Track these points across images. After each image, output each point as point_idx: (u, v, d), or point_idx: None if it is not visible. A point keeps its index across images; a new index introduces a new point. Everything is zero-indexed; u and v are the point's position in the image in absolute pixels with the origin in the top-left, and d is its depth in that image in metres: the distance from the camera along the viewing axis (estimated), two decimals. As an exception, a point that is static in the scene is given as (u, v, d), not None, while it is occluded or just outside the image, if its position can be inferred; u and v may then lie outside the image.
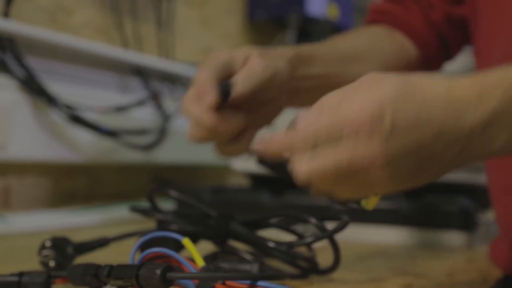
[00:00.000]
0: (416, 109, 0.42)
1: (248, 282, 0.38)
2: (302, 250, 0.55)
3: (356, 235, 0.81)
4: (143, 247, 0.43)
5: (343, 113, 0.43)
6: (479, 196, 0.85)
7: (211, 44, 1.56)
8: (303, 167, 0.44)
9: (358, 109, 0.42)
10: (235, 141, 0.58)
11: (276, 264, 0.54)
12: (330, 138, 0.43)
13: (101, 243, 0.57)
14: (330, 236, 0.52)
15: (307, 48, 0.66)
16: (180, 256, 0.41)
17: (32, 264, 0.53)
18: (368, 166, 0.42)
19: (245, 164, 0.99)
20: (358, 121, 0.42)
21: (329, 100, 0.44)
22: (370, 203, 0.48)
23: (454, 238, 0.78)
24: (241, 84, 0.56)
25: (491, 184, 0.66)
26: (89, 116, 1.08)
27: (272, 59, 0.59)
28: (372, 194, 0.47)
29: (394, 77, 0.44)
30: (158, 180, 1.35)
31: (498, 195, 0.65)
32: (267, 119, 0.62)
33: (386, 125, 0.42)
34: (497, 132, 0.43)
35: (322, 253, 0.56)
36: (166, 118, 1.28)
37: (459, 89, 0.43)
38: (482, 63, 0.66)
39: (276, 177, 0.52)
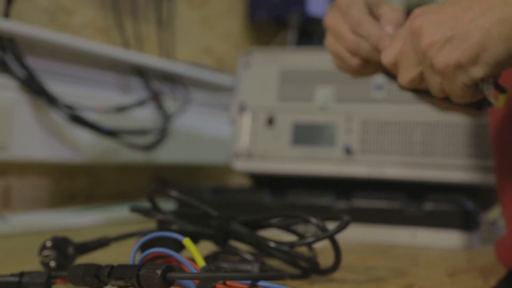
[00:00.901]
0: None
1: (249, 282, 0.38)
2: (303, 250, 0.54)
3: (357, 235, 0.81)
4: (143, 247, 0.43)
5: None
6: (480, 196, 0.85)
7: (211, 44, 1.56)
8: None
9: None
10: None
11: (277, 264, 0.54)
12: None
13: (102, 243, 0.57)
14: (331, 236, 0.52)
15: None
16: (180, 256, 0.41)
17: (33, 264, 0.53)
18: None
19: (246, 164, 0.99)
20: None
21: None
22: (500, 100, 0.53)
23: (455, 238, 0.78)
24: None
25: (499, 182, 0.67)
26: (90, 116, 1.08)
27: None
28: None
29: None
30: (158, 180, 1.35)
31: (507, 193, 0.65)
32: None
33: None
34: None
35: (323, 253, 0.56)
36: (166, 118, 1.28)
37: None
38: None
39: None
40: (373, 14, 0.66)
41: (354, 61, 0.67)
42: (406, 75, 0.56)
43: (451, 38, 0.51)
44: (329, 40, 0.69)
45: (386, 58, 0.59)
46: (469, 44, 0.50)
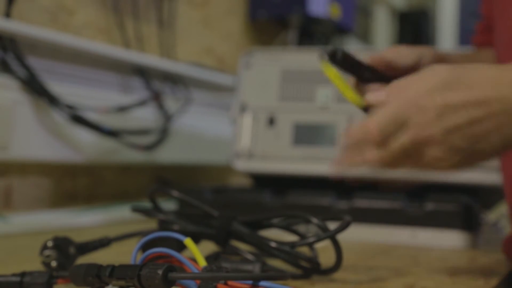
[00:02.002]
0: (467, 90, 0.49)
1: (250, 282, 0.38)
2: (304, 250, 0.54)
3: (359, 235, 0.81)
4: (145, 247, 0.43)
5: (406, 98, 0.51)
6: (482, 196, 0.85)
7: (212, 44, 1.56)
8: (374, 156, 0.53)
9: (418, 93, 0.50)
10: None
11: (278, 264, 0.54)
12: (399, 123, 0.51)
13: (103, 243, 0.57)
14: (332, 236, 0.52)
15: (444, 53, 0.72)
16: (182, 256, 0.41)
17: (34, 264, 0.53)
18: (427, 143, 0.49)
19: (247, 164, 0.99)
20: (418, 102, 0.50)
21: (395, 86, 0.53)
22: None
23: (456, 238, 0.78)
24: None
25: (506, 178, 0.67)
26: (91, 116, 1.08)
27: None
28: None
29: (450, 66, 0.51)
30: (159, 180, 1.35)
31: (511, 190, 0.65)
32: None
33: (439, 104, 0.49)
34: None
35: (324, 253, 0.56)
36: (167, 118, 1.28)
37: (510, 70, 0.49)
38: None
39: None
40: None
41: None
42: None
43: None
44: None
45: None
46: None
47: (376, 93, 0.54)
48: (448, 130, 0.49)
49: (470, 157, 0.50)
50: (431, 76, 0.51)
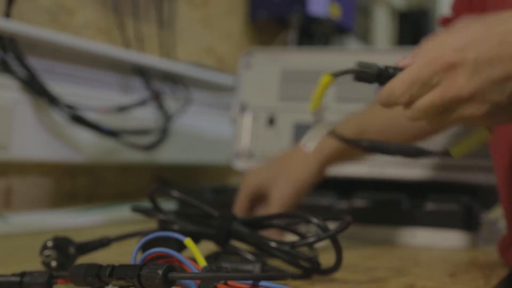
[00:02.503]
0: (498, 43, 0.47)
1: (250, 282, 0.38)
2: (304, 250, 0.54)
3: (358, 235, 0.81)
4: (145, 247, 0.43)
5: (432, 56, 0.49)
6: (481, 195, 0.85)
7: (212, 44, 1.56)
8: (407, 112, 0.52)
9: (445, 50, 0.49)
10: None
11: (278, 264, 0.54)
12: (425, 81, 0.49)
13: (103, 243, 0.57)
14: (332, 236, 0.52)
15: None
16: (182, 256, 0.41)
17: (34, 264, 0.53)
18: (457, 100, 0.48)
19: (247, 164, 0.99)
20: (445, 60, 0.48)
21: (423, 46, 0.51)
22: (458, 150, 0.53)
23: (456, 237, 0.78)
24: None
25: (499, 181, 0.67)
26: (91, 116, 1.08)
27: (296, 179, 0.75)
28: (472, 127, 0.53)
29: (480, 19, 0.50)
30: (159, 180, 1.35)
31: (506, 191, 0.65)
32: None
33: (470, 60, 0.47)
34: None
35: (324, 253, 0.56)
36: (167, 118, 1.28)
37: None
38: None
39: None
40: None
41: None
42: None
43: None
44: None
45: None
46: None
47: (404, 57, 0.53)
48: (482, 86, 0.48)
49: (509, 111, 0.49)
50: (460, 32, 0.50)
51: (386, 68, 0.54)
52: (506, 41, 0.47)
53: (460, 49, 0.48)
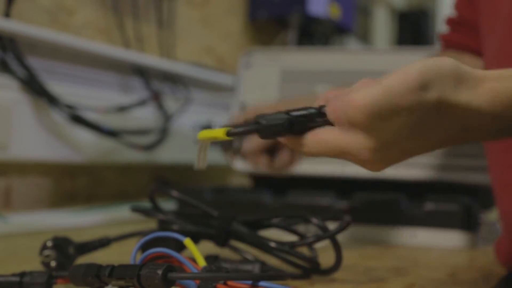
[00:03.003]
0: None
1: (249, 282, 0.38)
2: (304, 250, 0.54)
3: (358, 235, 0.81)
4: (144, 247, 0.43)
5: (343, 101, 0.43)
6: (481, 195, 0.85)
7: (212, 43, 1.56)
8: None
9: (356, 100, 0.42)
10: None
11: (277, 264, 0.54)
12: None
13: (103, 243, 0.57)
14: (332, 236, 0.52)
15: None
16: (181, 256, 0.41)
17: (34, 264, 0.53)
18: (357, 155, 0.43)
19: (247, 164, 0.99)
20: (350, 111, 0.42)
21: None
22: None
23: (456, 238, 0.78)
24: None
25: (494, 182, 0.67)
26: (90, 116, 1.08)
27: None
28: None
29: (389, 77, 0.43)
30: (159, 180, 1.35)
31: (500, 192, 0.65)
32: None
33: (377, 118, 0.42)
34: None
35: (324, 253, 0.56)
36: (167, 118, 1.28)
37: None
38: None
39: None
40: None
41: None
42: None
43: None
44: None
45: None
46: None
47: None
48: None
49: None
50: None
51: (297, 116, 0.44)
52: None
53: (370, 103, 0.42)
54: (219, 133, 0.44)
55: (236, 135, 0.44)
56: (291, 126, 0.44)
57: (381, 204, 0.82)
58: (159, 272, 0.38)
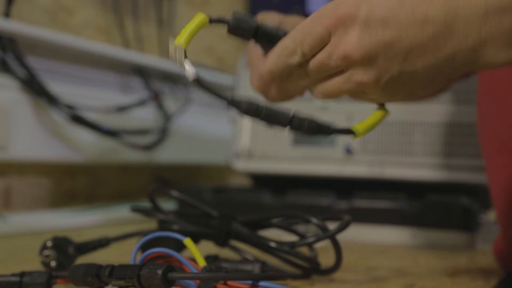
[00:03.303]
0: (398, 2, 0.43)
1: (249, 282, 0.38)
2: (304, 250, 0.54)
3: (358, 235, 0.81)
4: (144, 247, 0.43)
5: (326, 8, 0.45)
6: (481, 196, 0.85)
7: (212, 43, 1.56)
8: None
9: (338, 4, 0.44)
10: None
11: (277, 264, 0.54)
12: (316, 37, 0.45)
13: (102, 243, 0.57)
14: (332, 236, 0.52)
15: None
16: (181, 256, 0.41)
17: (34, 264, 0.53)
18: (346, 61, 0.44)
19: (247, 164, 0.99)
20: (336, 13, 0.44)
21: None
22: (360, 128, 0.47)
23: (456, 238, 0.78)
24: None
25: (489, 182, 0.66)
26: (90, 116, 1.08)
27: None
28: (364, 99, 0.48)
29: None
30: (159, 180, 1.35)
31: (496, 193, 0.65)
32: None
33: (362, 17, 0.43)
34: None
35: (324, 253, 0.56)
36: (167, 118, 1.28)
37: None
38: None
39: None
40: None
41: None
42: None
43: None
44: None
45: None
46: None
47: None
48: (372, 47, 0.43)
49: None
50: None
51: (265, 25, 0.50)
52: (407, 2, 0.43)
53: (353, 3, 0.44)
54: (204, 17, 0.52)
55: (213, 22, 0.52)
56: (257, 31, 0.51)
57: (381, 204, 0.82)
58: (159, 272, 0.38)
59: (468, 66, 0.44)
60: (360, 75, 0.44)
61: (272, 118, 0.46)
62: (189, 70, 0.47)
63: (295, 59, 0.47)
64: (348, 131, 0.47)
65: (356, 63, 0.44)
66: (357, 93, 0.46)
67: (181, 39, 0.49)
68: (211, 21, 0.52)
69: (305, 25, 0.46)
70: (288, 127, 0.47)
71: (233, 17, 0.51)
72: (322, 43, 0.45)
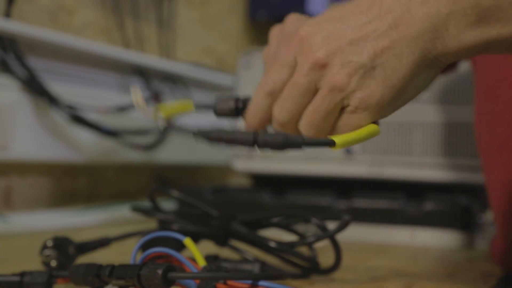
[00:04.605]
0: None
1: (249, 282, 0.38)
2: (304, 250, 0.55)
3: (358, 235, 0.81)
4: (144, 247, 0.43)
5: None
6: (479, 195, 0.85)
7: (212, 44, 1.56)
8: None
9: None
10: None
11: (277, 264, 0.54)
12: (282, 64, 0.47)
13: (103, 243, 0.57)
14: (331, 236, 0.52)
15: None
16: (181, 256, 0.41)
17: (34, 264, 0.53)
18: (316, 66, 0.44)
19: (247, 164, 0.99)
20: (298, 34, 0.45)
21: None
22: (340, 139, 0.44)
23: (455, 238, 0.78)
24: None
25: (487, 182, 0.67)
26: (91, 116, 1.08)
27: None
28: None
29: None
30: (159, 180, 1.35)
31: (494, 192, 0.65)
32: None
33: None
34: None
35: (324, 253, 0.56)
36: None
37: None
38: None
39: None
40: None
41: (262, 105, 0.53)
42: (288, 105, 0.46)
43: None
44: (265, 52, 0.55)
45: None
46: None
47: None
48: (336, 46, 0.43)
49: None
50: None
51: (238, 98, 0.51)
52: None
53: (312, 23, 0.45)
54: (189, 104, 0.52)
55: (198, 108, 0.53)
56: (237, 107, 0.52)
57: (380, 204, 0.82)
58: (159, 271, 0.38)
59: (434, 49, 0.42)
60: (332, 76, 0.43)
61: (236, 141, 0.46)
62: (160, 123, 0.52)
63: (267, 102, 0.48)
64: (326, 143, 0.44)
65: (325, 66, 0.43)
66: (337, 106, 0.44)
67: (165, 112, 0.53)
68: (197, 107, 0.54)
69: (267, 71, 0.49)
70: (255, 146, 0.46)
71: (215, 101, 0.52)
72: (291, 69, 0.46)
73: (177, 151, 1.32)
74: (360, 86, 0.43)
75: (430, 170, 0.87)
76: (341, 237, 0.53)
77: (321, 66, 0.44)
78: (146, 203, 0.59)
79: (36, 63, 1.03)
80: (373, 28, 0.43)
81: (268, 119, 0.49)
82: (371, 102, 0.44)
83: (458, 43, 0.41)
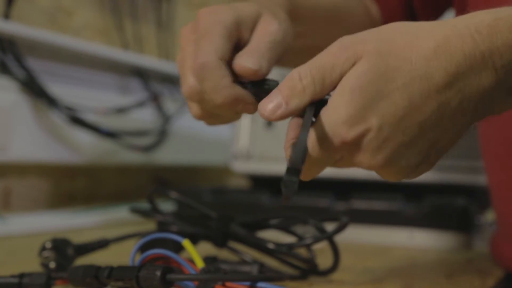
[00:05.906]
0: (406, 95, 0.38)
1: (248, 283, 0.38)
2: (302, 251, 0.55)
3: (356, 236, 0.81)
4: (143, 248, 0.44)
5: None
6: (478, 196, 0.85)
7: (211, 45, 1.56)
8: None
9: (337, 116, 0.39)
10: None
11: (275, 265, 0.54)
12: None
13: (101, 244, 0.58)
14: (329, 237, 0.52)
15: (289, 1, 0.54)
16: (180, 258, 0.41)
17: (33, 265, 0.54)
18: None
19: (245, 165, 0.99)
20: (339, 134, 0.39)
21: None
22: None
23: (453, 239, 0.78)
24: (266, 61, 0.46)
25: (492, 184, 0.67)
26: (90, 117, 1.08)
27: (280, 17, 0.49)
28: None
29: (370, 50, 0.38)
30: (158, 181, 1.35)
31: (500, 195, 0.65)
32: None
33: (372, 133, 0.39)
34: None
35: (322, 254, 0.56)
36: (166, 119, 1.28)
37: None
38: None
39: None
40: (243, 38, 0.47)
41: (192, 108, 0.50)
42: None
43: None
44: (178, 58, 0.50)
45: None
46: None
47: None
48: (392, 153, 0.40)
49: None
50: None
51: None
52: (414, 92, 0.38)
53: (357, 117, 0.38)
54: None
55: None
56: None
57: (378, 205, 0.82)
58: (158, 273, 0.38)
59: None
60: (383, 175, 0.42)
61: None
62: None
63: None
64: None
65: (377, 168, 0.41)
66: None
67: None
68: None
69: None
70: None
71: None
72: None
73: (176, 152, 1.32)
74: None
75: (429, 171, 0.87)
76: (339, 238, 0.53)
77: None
78: (145, 204, 0.59)
79: (35, 64, 1.03)
80: None
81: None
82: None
83: None
